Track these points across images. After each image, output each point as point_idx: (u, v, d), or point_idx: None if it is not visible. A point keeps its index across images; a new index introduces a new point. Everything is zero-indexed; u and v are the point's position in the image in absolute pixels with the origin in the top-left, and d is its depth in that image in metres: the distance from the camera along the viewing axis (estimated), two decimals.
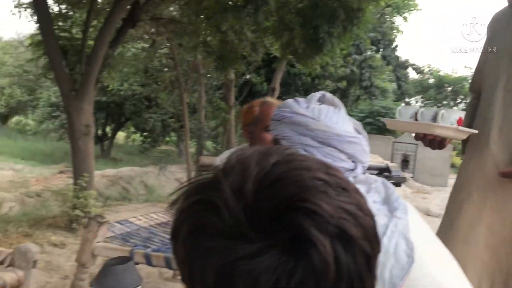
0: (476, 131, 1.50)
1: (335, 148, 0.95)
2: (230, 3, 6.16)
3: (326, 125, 0.97)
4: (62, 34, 5.47)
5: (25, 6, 6.30)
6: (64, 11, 5.87)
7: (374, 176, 1.19)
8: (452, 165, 16.23)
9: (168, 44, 10.14)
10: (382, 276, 0.73)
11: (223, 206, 0.40)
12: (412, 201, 9.59)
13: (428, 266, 0.79)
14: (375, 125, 17.22)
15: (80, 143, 4.99)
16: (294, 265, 0.37)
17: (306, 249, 0.38)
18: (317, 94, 1.18)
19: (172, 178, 13.11)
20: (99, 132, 16.99)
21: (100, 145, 16.85)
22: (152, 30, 9.71)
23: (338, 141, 0.95)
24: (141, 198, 9.66)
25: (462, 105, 27.42)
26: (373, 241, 0.42)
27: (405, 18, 18.98)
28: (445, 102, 28.25)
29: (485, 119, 1.57)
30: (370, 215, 0.43)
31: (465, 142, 1.69)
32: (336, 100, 1.21)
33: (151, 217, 3.23)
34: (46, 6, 5.08)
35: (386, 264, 0.74)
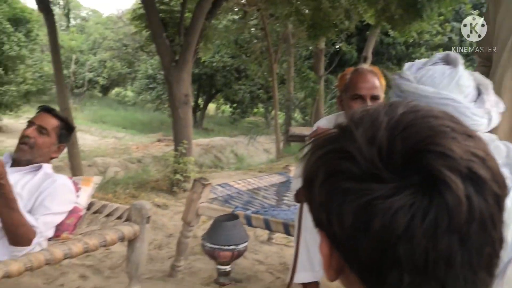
0: None
1: None
2: None
3: (415, 87, 1.01)
4: (162, 7, 5.71)
5: None
6: None
7: (489, 135, 1.13)
8: None
9: (258, 15, 10.18)
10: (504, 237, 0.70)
11: (357, 153, 0.42)
12: None
13: None
14: None
15: (180, 112, 5.25)
16: (428, 203, 0.39)
17: (439, 188, 0.39)
18: (439, 54, 1.16)
19: (260, 149, 13.37)
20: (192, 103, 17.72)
21: (194, 115, 17.62)
22: (243, 0, 9.80)
23: (426, 103, 0.95)
24: (232, 166, 10.01)
25: None
26: (501, 183, 0.42)
27: None
28: None
29: None
30: (495, 160, 0.44)
31: None
32: (459, 59, 1.16)
33: (248, 181, 3.34)
34: None
35: (510, 226, 0.71)
